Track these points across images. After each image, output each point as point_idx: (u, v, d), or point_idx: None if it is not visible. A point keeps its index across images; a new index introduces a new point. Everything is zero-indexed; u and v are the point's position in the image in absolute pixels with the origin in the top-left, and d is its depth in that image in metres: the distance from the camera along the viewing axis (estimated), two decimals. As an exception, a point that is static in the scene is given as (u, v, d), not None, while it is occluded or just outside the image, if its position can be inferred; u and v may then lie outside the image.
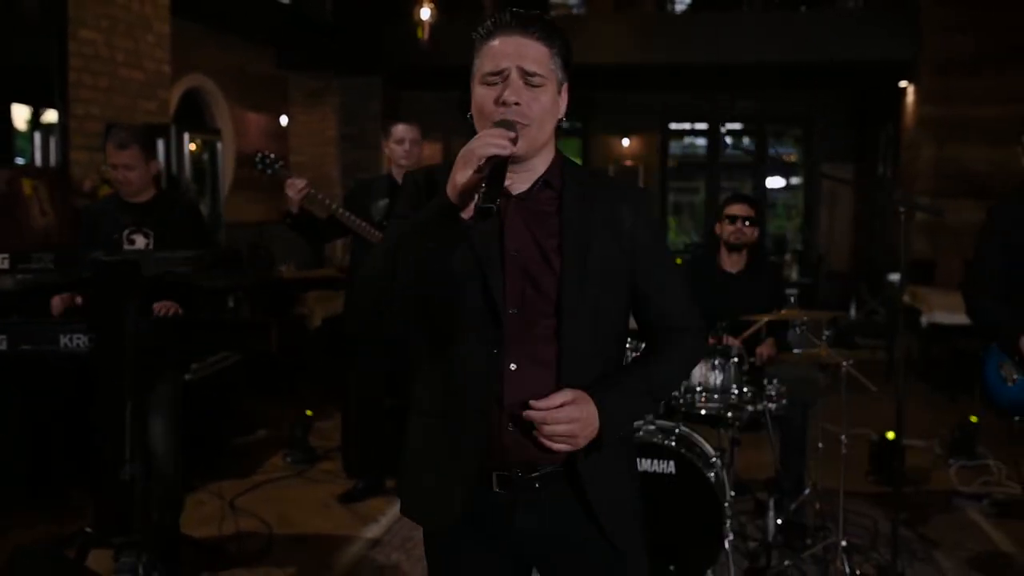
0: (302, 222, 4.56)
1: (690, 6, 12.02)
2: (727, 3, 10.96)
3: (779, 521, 4.14)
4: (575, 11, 11.93)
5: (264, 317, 3.56)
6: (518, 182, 1.84)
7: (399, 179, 4.77)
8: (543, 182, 1.86)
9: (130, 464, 3.25)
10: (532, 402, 1.75)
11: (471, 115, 1.83)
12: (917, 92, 9.74)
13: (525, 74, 1.77)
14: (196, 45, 8.48)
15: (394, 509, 4.78)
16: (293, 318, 7.40)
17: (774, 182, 13.82)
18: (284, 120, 10.52)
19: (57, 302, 3.57)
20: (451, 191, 1.68)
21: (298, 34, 10.08)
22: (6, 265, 3.31)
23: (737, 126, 13.82)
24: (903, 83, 10.18)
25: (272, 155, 4.47)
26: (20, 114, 6.95)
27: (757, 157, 13.28)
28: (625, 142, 12.76)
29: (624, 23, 10.72)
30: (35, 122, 6.84)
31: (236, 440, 5.89)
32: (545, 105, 1.79)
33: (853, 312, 10.32)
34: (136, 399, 3.27)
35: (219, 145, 7.30)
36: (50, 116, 6.37)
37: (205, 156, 7.13)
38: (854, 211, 12.39)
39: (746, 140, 14.10)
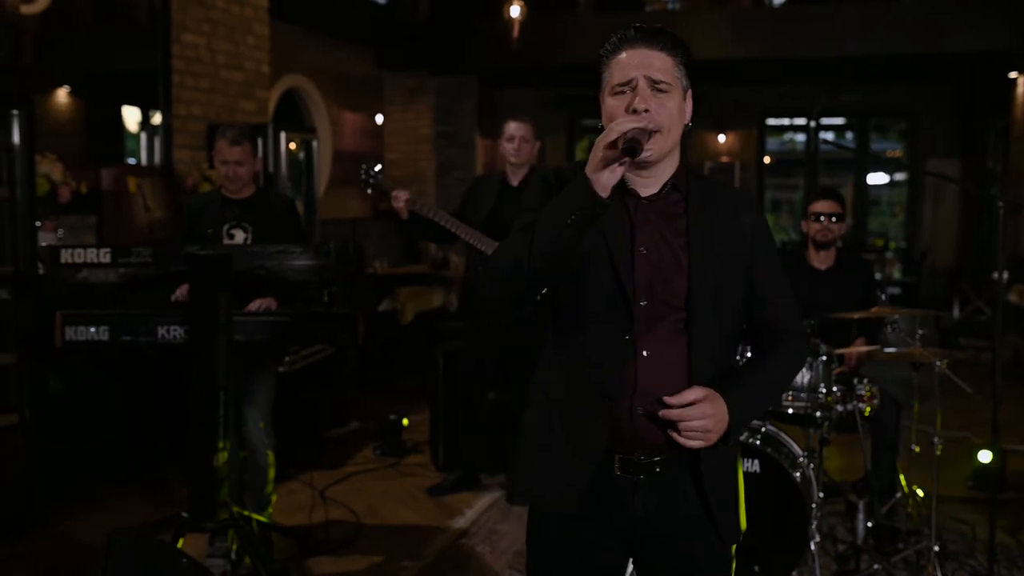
0: (412, 227, 4.65)
1: (789, -2, 11.77)
2: (826, -6, 10.71)
3: (869, 524, 4.04)
4: (671, 6, 11.81)
5: (351, 311, 3.64)
6: (647, 186, 1.96)
7: (511, 177, 4.77)
8: (671, 185, 1.97)
9: (223, 452, 3.37)
10: (666, 399, 1.86)
11: (602, 126, 1.93)
12: (1028, 83, 9.36)
13: (652, 82, 1.88)
14: (294, 46, 8.69)
15: (481, 502, 4.83)
16: (385, 313, 7.53)
17: (876, 178, 13.44)
18: (379, 119, 10.68)
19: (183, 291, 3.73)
20: (591, 168, 1.78)
21: (394, 34, 10.23)
22: (108, 259, 3.47)
23: (839, 120, 13.50)
24: (1013, 74, 9.80)
25: (375, 167, 4.56)
26: (132, 116, 7.25)
27: (858, 153, 12.94)
28: (721, 138, 12.58)
29: (720, 17, 10.57)
30: (145, 123, 7.12)
31: (328, 432, 6.02)
32: (672, 111, 1.90)
33: (957, 311, 9.98)
34: (230, 389, 3.39)
35: (315, 144, 7.46)
36: (158, 118, 6.61)
37: (302, 155, 7.30)
38: (959, 207, 11.98)
39: (848, 135, 13.76)
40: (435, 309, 8.13)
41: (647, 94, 1.87)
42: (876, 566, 3.91)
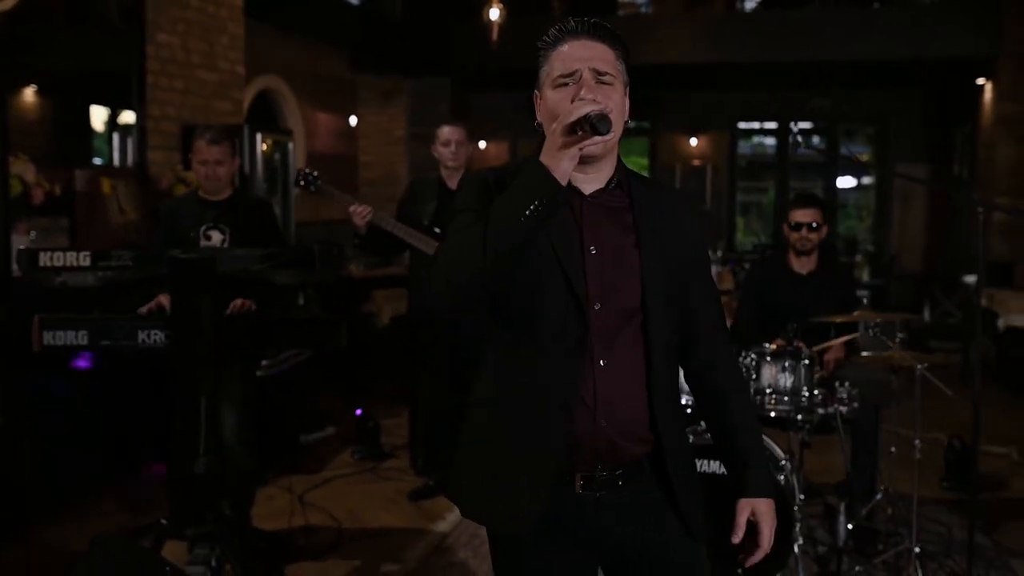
0: (371, 242, 4.66)
1: (760, 3, 11.85)
2: (799, 0, 10.80)
3: (850, 526, 4.07)
4: (643, 10, 11.85)
5: (336, 315, 3.61)
6: (589, 183, 1.89)
7: (448, 181, 4.81)
8: (616, 182, 1.91)
9: (204, 458, 3.33)
10: (733, 541, 1.91)
11: (539, 123, 1.88)
12: (995, 89, 9.49)
13: (597, 73, 1.82)
14: (268, 46, 8.62)
15: (461, 506, 4.80)
16: (362, 316, 7.49)
17: (845, 182, 13.57)
18: (353, 120, 10.63)
19: (161, 300, 3.72)
20: (548, 156, 1.72)
21: (368, 35, 10.19)
22: (87, 262, 3.40)
23: (808, 125, 13.60)
24: (981, 80, 9.94)
25: (314, 172, 4.53)
26: (98, 115, 7.14)
27: (828, 156, 13.05)
28: (693, 141, 12.64)
29: (693, 22, 10.63)
30: (112, 123, 7.02)
31: (305, 436, 5.97)
32: (617, 103, 1.84)
33: (927, 314, 10.11)
34: (211, 394, 3.34)
35: (291, 145, 7.41)
36: (126, 117, 6.52)
37: (277, 156, 7.24)
38: (927, 212, 12.12)
39: (816, 139, 13.88)
40: (415, 297, 8.08)
41: (592, 85, 1.80)
42: (857, 568, 3.94)
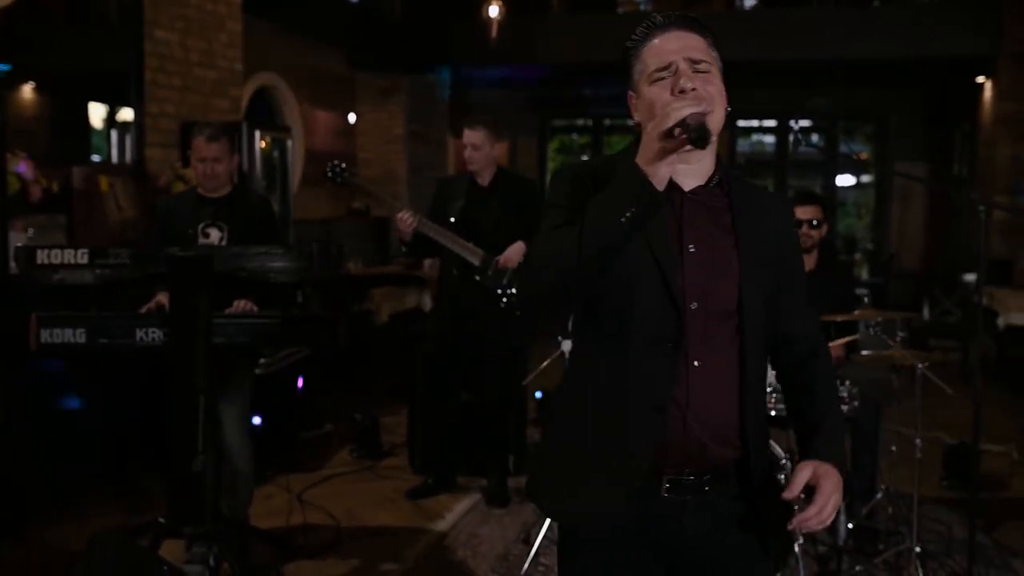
0: (417, 249, 4.71)
1: (760, 2, 11.84)
2: (799, -2, 10.80)
3: (850, 525, 4.06)
4: (643, 8, 11.84)
5: (332, 313, 3.59)
6: (690, 177, 1.84)
7: (479, 179, 4.83)
8: (717, 180, 1.86)
9: (202, 456, 3.31)
10: (786, 496, 1.80)
11: (638, 123, 1.82)
12: (995, 88, 9.48)
13: (692, 63, 1.78)
14: (267, 44, 8.60)
15: (460, 505, 4.80)
16: (360, 314, 7.48)
17: (844, 180, 13.56)
18: (352, 118, 10.62)
19: (160, 300, 3.72)
20: (645, 160, 1.65)
21: (367, 33, 10.17)
22: (84, 260, 3.39)
23: (807, 123, 13.59)
24: (980, 79, 9.92)
25: (342, 164, 4.52)
26: (96, 112, 7.12)
27: (827, 154, 13.03)
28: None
29: (692, 20, 10.60)
30: (110, 120, 7.00)
31: (304, 434, 5.96)
32: (717, 90, 1.79)
33: (926, 313, 10.10)
34: (209, 392, 3.33)
35: (289, 143, 7.39)
36: (125, 114, 6.51)
37: (275, 153, 7.22)
38: (927, 210, 12.11)
39: (815, 137, 13.87)
40: (409, 310, 8.09)
41: (690, 75, 1.76)
42: (858, 567, 3.93)
